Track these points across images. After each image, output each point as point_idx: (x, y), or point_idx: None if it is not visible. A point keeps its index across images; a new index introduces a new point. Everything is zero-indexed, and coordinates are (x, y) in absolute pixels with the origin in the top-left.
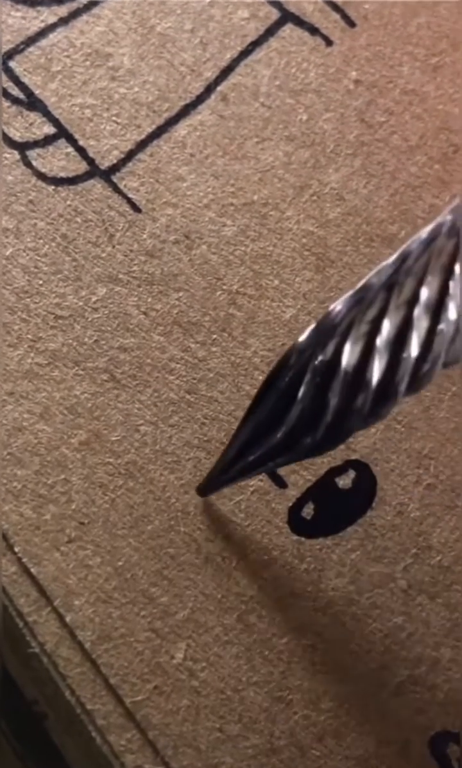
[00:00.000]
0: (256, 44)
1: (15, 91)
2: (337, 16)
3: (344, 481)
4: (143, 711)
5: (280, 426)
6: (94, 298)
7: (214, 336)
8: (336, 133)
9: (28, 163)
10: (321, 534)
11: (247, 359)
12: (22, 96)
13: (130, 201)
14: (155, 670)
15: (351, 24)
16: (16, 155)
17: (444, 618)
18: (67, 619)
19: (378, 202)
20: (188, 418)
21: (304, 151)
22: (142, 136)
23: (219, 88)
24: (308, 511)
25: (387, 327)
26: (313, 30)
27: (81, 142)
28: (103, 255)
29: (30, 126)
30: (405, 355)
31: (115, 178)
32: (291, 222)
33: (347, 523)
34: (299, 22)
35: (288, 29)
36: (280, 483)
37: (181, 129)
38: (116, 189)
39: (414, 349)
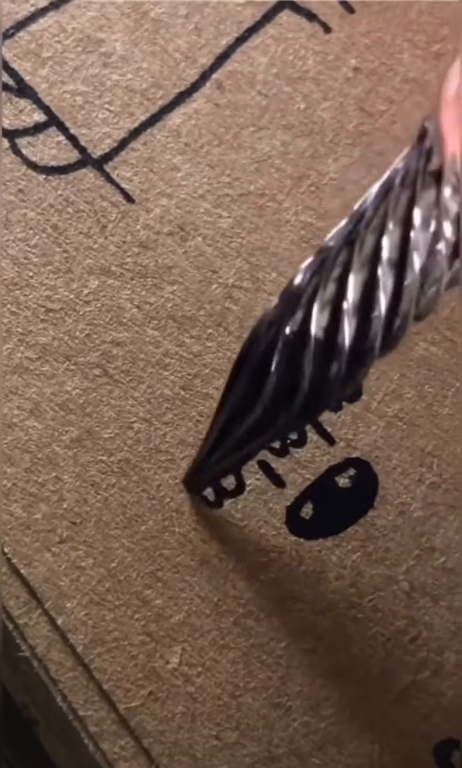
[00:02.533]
0: (252, 30)
1: (4, 77)
2: (335, 2)
3: (344, 480)
4: (137, 717)
5: (258, 402)
6: (85, 291)
7: (210, 330)
8: (335, 122)
9: (17, 152)
10: (320, 534)
11: None
12: (11, 82)
13: (123, 191)
14: (150, 675)
15: (350, 10)
16: (6, 143)
17: (448, 621)
18: (59, 621)
19: None
20: (183, 415)
21: (302, 141)
22: (136, 125)
23: (214, 76)
24: (307, 511)
25: (352, 288)
26: (311, 16)
27: (72, 130)
28: (96, 246)
29: (19, 113)
30: (375, 313)
31: (107, 168)
32: (288, 213)
33: (347, 524)
34: (297, 7)
35: (285, 15)
36: (278, 482)
37: (175, 117)
38: (109, 178)
39: (383, 306)
